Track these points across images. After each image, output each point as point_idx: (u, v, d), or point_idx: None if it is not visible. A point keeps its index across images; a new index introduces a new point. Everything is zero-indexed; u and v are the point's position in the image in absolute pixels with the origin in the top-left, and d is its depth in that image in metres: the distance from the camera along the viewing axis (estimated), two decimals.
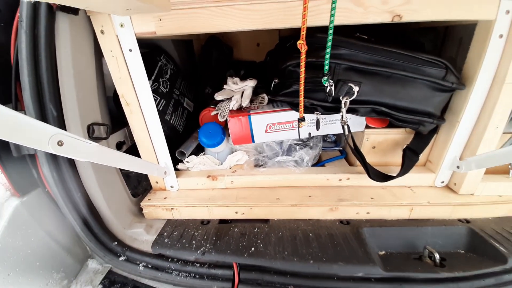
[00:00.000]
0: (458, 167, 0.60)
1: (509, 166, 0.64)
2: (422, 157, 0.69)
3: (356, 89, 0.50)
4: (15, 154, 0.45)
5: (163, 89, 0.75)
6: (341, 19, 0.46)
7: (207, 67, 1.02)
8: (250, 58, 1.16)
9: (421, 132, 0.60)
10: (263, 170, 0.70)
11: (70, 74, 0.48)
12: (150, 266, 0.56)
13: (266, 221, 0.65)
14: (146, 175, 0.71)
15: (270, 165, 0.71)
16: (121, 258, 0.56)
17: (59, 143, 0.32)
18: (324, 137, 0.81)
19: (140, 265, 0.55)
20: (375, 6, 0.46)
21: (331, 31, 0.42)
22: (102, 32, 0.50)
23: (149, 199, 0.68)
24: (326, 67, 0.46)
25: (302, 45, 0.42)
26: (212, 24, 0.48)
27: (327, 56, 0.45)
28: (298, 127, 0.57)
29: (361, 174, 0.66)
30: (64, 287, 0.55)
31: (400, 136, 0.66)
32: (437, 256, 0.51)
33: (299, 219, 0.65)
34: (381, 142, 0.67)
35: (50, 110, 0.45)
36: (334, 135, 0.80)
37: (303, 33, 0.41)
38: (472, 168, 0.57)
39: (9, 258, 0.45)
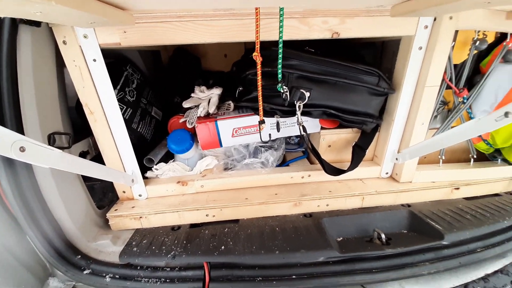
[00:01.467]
0: (396, 159, 0.71)
1: (439, 157, 0.77)
2: (370, 153, 0.79)
3: (307, 94, 0.57)
4: None
5: (129, 98, 0.76)
6: (290, 35, 0.54)
7: (175, 77, 1.05)
8: (219, 68, 1.21)
9: (365, 130, 0.70)
10: (232, 172, 0.74)
11: (31, 83, 0.48)
12: (117, 276, 0.54)
13: (236, 221, 0.68)
14: (112, 187, 0.70)
15: (238, 168, 0.75)
16: (85, 272, 0.54)
17: (21, 149, 0.33)
18: (288, 140, 0.88)
19: (107, 276, 0.54)
20: (318, 25, 0.54)
21: (280, 45, 0.49)
22: (64, 42, 0.51)
23: (115, 210, 0.67)
24: (280, 76, 0.53)
25: (256, 56, 0.48)
26: (174, 37, 0.52)
27: (279, 66, 0.51)
28: (259, 129, 0.62)
29: (320, 171, 0.73)
30: None
31: (350, 135, 0.75)
32: (383, 236, 0.59)
33: (267, 216, 0.69)
34: (335, 141, 0.76)
35: (8, 119, 0.44)
36: (296, 137, 0.88)
37: (257, 47, 0.47)
38: (407, 158, 0.67)
39: None
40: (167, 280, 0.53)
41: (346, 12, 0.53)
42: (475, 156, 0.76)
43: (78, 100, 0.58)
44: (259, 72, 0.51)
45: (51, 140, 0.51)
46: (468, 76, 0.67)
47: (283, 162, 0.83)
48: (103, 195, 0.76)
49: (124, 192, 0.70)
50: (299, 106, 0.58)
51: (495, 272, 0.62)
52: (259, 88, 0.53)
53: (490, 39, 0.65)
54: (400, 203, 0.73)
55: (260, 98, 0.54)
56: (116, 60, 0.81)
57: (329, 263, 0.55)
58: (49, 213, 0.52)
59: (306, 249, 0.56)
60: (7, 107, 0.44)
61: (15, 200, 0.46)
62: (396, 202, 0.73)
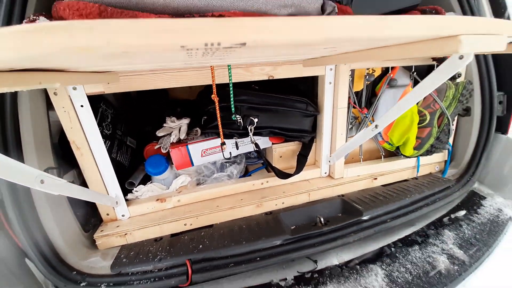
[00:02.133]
0: (329, 161, 0.95)
1: (360, 157, 1.03)
2: (312, 159, 1.02)
3: (255, 120, 0.78)
4: None
5: (106, 131, 0.87)
6: (238, 79, 0.74)
7: (144, 108, 1.17)
8: (185, 97, 1.37)
9: (304, 142, 0.93)
10: (203, 186, 0.89)
11: (29, 126, 0.58)
12: (111, 284, 0.64)
13: (210, 226, 0.83)
14: (94, 213, 0.79)
15: (209, 182, 0.91)
16: (82, 284, 0.63)
17: (42, 181, 0.45)
18: (249, 154, 1.06)
19: (102, 285, 0.64)
20: (257, 71, 0.76)
21: (231, 88, 0.68)
22: (55, 94, 0.63)
23: (101, 230, 0.76)
24: (233, 109, 0.72)
25: (214, 97, 0.67)
26: (149, 85, 0.68)
27: (232, 101, 0.71)
28: (222, 149, 0.79)
29: (275, 177, 0.92)
30: None
31: (295, 146, 0.97)
32: (322, 220, 0.80)
33: (236, 218, 0.85)
34: (284, 152, 0.97)
35: (15, 157, 0.54)
36: (255, 151, 1.07)
37: (214, 91, 0.66)
38: (335, 160, 0.91)
39: None
40: (156, 279, 0.65)
41: (276, 63, 0.76)
42: (383, 154, 1.04)
43: (60, 136, 0.69)
44: (217, 108, 0.69)
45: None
46: (367, 98, 0.95)
47: (246, 173, 1.00)
48: (85, 221, 0.84)
49: (107, 214, 0.79)
50: (250, 129, 0.77)
51: (405, 237, 0.86)
52: (218, 119, 0.71)
53: (379, 72, 0.95)
54: (336, 194, 0.96)
55: (220, 127, 0.72)
56: (90, 99, 0.92)
57: (283, 244, 0.73)
58: (46, 236, 0.61)
59: (266, 237, 0.73)
60: (11, 147, 0.55)
61: (20, 230, 0.55)
62: (333, 194, 0.95)
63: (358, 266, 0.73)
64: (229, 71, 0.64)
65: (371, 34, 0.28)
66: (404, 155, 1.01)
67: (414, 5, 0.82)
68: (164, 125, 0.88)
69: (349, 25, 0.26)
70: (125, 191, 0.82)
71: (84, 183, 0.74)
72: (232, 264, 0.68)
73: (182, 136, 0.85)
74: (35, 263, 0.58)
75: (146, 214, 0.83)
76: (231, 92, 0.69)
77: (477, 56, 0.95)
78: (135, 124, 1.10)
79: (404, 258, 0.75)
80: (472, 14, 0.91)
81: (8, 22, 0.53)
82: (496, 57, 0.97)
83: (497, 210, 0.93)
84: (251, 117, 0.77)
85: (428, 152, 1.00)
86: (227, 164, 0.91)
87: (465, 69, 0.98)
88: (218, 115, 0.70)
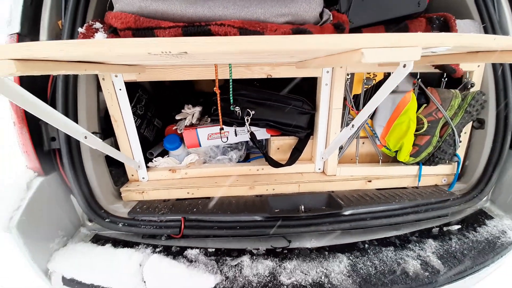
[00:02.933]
0: (322, 157, 1.01)
1: (356, 158, 1.07)
2: (309, 155, 1.09)
3: (252, 112, 0.90)
4: (46, 148, 0.76)
5: (139, 112, 1.10)
6: (240, 76, 0.87)
7: (173, 97, 1.39)
8: (208, 89, 1.56)
9: (300, 137, 1.01)
10: (207, 165, 1.06)
11: (84, 100, 0.82)
12: (126, 224, 0.85)
13: (208, 198, 0.99)
14: (124, 173, 1.02)
15: (212, 162, 1.07)
16: (106, 220, 0.85)
17: (85, 137, 0.66)
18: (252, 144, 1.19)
19: (119, 224, 0.85)
20: (257, 70, 0.88)
21: (231, 81, 0.82)
22: (103, 79, 0.85)
23: (126, 187, 0.98)
24: (231, 101, 0.86)
25: (216, 89, 0.81)
26: (168, 76, 0.86)
27: (231, 95, 0.84)
28: (221, 134, 0.94)
29: (270, 166, 1.03)
30: (64, 242, 0.82)
31: (292, 141, 1.06)
32: (303, 208, 0.88)
33: (230, 195, 0.99)
34: (282, 145, 1.07)
35: (73, 120, 0.77)
36: (250, 139, 1.19)
37: (217, 84, 0.81)
38: (327, 156, 0.98)
39: (34, 214, 0.73)
40: (157, 227, 0.83)
41: (275, 64, 0.87)
42: (381, 158, 1.05)
43: (105, 112, 0.92)
44: (218, 99, 0.84)
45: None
46: (365, 101, 0.98)
47: (247, 159, 1.14)
48: (117, 178, 1.08)
49: (132, 175, 1.02)
50: (247, 119, 0.90)
51: (384, 238, 0.88)
52: (219, 108, 0.86)
53: (382, 76, 0.97)
54: (327, 190, 1.02)
55: (220, 114, 0.87)
56: (131, 86, 1.16)
57: (262, 221, 0.84)
58: (87, 182, 0.84)
59: (249, 212, 0.85)
60: (71, 114, 0.78)
61: (70, 174, 0.79)
62: (323, 189, 1.02)
63: (326, 252, 0.80)
64: (230, 69, 0.78)
65: (290, 48, 0.38)
66: (400, 161, 1.01)
67: (418, 12, 0.83)
68: (182, 111, 1.07)
69: (269, 41, 0.37)
70: (147, 160, 1.04)
71: (117, 148, 0.97)
72: (216, 227, 0.83)
73: (194, 121, 1.02)
74: (77, 200, 0.82)
75: (160, 180, 1.03)
76: (231, 86, 0.83)
77: (494, 67, 0.89)
78: (164, 108, 1.33)
79: (374, 255, 0.79)
80: (490, 20, 0.86)
81: (73, 24, 0.76)
82: None
83: (501, 231, 0.88)
84: (248, 109, 0.89)
85: (431, 162, 0.99)
86: (229, 149, 1.06)
87: (481, 80, 0.93)
88: (219, 105, 0.85)
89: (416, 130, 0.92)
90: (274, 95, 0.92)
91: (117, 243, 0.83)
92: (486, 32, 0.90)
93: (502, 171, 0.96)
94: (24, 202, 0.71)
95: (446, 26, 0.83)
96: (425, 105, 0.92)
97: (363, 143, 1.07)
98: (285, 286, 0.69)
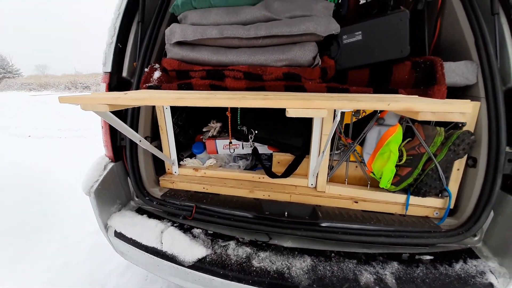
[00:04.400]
0: (313, 174, 1.18)
1: (345, 179, 1.19)
2: (305, 171, 1.27)
3: (256, 132, 1.15)
4: (117, 145, 1.18)
5: (179, 122, 1.47)
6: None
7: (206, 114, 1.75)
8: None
9: (296, 155, 1.21)
10: (221, 168, 1.35)
11: (143, 115, 1.22)
12: (158, 203, 1.20)
13: (217, 194, 1.27)
14: (163, 167, 1.40)
15: (226, 167, 1.36)
16: (146, 198, 1.22)
17: (140, 141, 1.02)
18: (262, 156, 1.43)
19: (154, 202, 1.21)
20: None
21: (239, 109, 1.09)
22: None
23: (163, 176, 1.35)
24: (239, 122, 1.13)
25: (228, 113, 1.10)
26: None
27: (238, 118, 1.12)
28: (229, 146, 1.22)
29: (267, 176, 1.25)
30: (119, 208, 1.23)
31: (290, 157, 1.26)
32: (286, 214, 1.08)
33: (233, 194, 1.26)
34: (282, 159, 1.28)
35: (134, 128, 1.17)
36: (252, 153, 1.42)
37: (228, 110, 1.09)
38: (315, 172, 1.15)
39: (105, 186, 1.14)
40: (177, 208, 1.16)
41: None
42: (369, 182, 1.15)
43: (156, 122, 1.31)
44: (229, 120, 1.12)
45: (146, 139, 1.24)
46: (357, 130, 1.11)
47: (255, 167, 1.38)
48: (158, 169, 1.48)
49: (168, 169, 1.39)
50: (250, 137, 1.16)
51: (352, 252, 0.99)
52: (229, 127, 1.14)
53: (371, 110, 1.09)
54: (315, 203, 1.18)
55: (230, 132, 1.15)
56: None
57: (251, 218, 1.08)
58: (138, 170, 1.23)
59: (243, 210, 1.10)
60: (134, 125, 1.18)
61: (129, 163, 1.18)
62: (312, 203, 1.18)
63: (296, 252, 0.98)
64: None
65: (247, 104, 0.63)
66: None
67: (404, 57, 0.94)
68: (208, 124, 1.39)
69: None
70: (179, 159, 1.40)
71: (160, 148, 1.35)
72: (217, 217, 1.10)
73: (215, 133, 1.33)
74: (131, 181, 1.22)
75: (186, 175, 1.37)
76: (239, 112, 1.10)
77: (488, 107, 0.91)
78: (199, 122, 1.69)
79: (336, 263, 0.93)
80: (489, 61, 0.89)
81: (142, 65, 1.15)
82: None
83: (479, 272, 0.89)
84: (252, 129, 1.15)
85: (417, 194, 1.05)
86: (239, 158, 1.33)
87: (476, 120, 0.96)
88: (229, 125, 1.13)
89: (399, 161, 1.01)
90: (274, 118, 1.15)
91: (150, 215, 1.19)
92: (483, 73, 0.94)
93: (497, 212, 0.95)
94: (101, 177, 1.12)
95: (431, 70, 0.92)
96: (410, 139, 1.01)
97: (356, 167, 1.19)
98: (253, 267, 0.91)
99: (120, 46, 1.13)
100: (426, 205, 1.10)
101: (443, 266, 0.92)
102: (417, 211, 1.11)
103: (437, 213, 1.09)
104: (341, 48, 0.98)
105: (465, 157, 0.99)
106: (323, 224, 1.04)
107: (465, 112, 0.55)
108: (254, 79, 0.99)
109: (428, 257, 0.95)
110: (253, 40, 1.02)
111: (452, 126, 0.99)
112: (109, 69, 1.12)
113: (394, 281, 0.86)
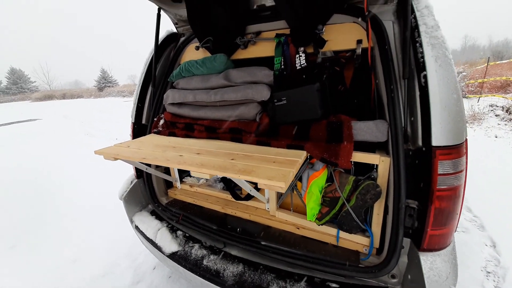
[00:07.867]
0: (267, 201, 1.48)
1: (291, 207, 1.44)
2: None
3: None
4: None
5: None
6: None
7: None
8: None
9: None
10: (207, 187, 1.79)
11: None
12: (162, 209, 1.74)
13: (202, 207, 1.72)
14: (170, 183, 1.94)
15: (213, 186, 1.79)
16: (155, 205, 1.78)
17: (146, 169, 1.57)
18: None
19: (160, 208, 1.75)
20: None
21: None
22: None
23: (170, 189, 1.90)
24: None
25: None
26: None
27: None
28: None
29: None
30: (140, 210, 1.83)
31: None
32: (239, 230, 1.43)
33: (212, 208, 1.68)
34: None
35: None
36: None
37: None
38: (266, 199, 1.45)
39: (131, 195, 1.75)
40: (171, 214, 1.67)
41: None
42: None
43: None
44: None
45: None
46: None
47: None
48: (168, 185, 2.04)
49: (173, 184, 1.92)
50: None
51: (276, 268, 1.25)
52: None
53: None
54: (267, 224, 1.48)
55: None
56: None
57: (214, 229, 1.48)
58: (152, 185, 1.80)
59: (211, 222, 1.51)
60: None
61: (146, 179, 1.76)
62: (265, 223, 1.49)
63: (236, 259, 1.32)
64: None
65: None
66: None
67: (316, 118, 1.15)
68: None
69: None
70: (181, 178, 1.91)
71: (167, 172, 1.90)
72: (192, 224, 1.55)
73: None
74: (147, 192, 1.80)
75: (185, 189, 1.87)
76: None
77: (394, 163, 1.02)
78: None
79: (259, 273, 1.23)
80: (395, 122, 1.00)
81: (153, 116, 1.70)
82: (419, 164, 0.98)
83: None
84: None
85: (342, 229, 1.23)
86: (218, 181, 1.74)
87: (388, 174, 1.07)
88: None
89: (322, 201, 1.21)
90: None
91: (157, 216, 1.74)
92: (390, 132, 1.05)
93: (410, 260, 1.05)
94: (128, 188, 1.73)
95: (339, 129, 1.10)
96: (330, 183, 1.19)
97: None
98: (203, 265, 1.31)
99: (139, 105, 1.71)
100: (355, 241, 1.25)
101: None
102: (349, 245, 1.27)
103: (366, 249, 1.23)
104: (275, 108, 1.26)
105: (383, 202, 1.12)
106: (262, 242, 1.34)
107: (280, 185, 0.81)
108: (211, 132, 1.38)
109: (335, 285, 1.13)
110: (213, 102, 1.41)
111: (365, 178, 1.12)
112: (133, 120, 1.72)
113: None
